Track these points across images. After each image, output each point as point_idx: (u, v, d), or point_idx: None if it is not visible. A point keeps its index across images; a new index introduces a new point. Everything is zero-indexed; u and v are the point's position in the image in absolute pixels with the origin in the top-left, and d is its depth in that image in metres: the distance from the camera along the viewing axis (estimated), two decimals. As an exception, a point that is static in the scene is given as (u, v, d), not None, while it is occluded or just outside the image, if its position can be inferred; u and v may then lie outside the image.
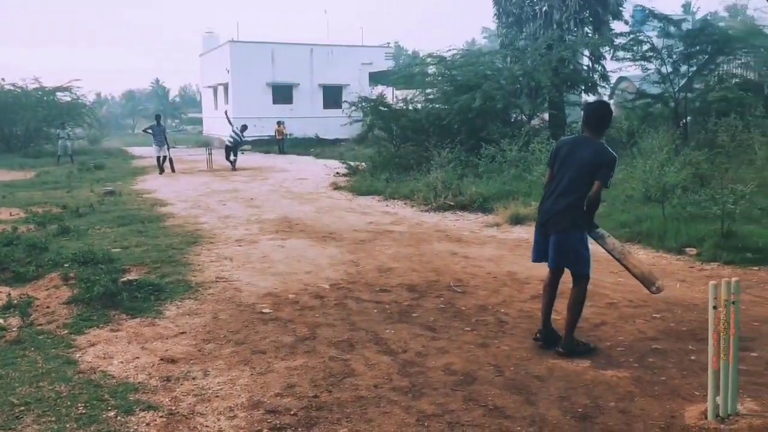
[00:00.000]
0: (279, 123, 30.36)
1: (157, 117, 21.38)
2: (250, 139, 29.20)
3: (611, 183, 4.53)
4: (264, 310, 5.80)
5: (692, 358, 4.62)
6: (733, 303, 3.62)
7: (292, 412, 3.79)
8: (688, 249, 8.01)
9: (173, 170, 20.32)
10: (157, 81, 71.56)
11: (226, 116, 23.31)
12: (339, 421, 3.68)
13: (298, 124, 33.04)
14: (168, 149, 20.41)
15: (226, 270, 7.32)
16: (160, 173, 19.88)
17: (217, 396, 4.04)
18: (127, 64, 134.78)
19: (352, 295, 6.32)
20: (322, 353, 4.74)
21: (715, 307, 3.61)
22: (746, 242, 7.76)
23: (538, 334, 4.95)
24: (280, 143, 29.80)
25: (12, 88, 31.29)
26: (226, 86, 35.04)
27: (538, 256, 4.90)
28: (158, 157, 20.35)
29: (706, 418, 3.65)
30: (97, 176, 19.21)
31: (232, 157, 21.46)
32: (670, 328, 5.29)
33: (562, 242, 4.62)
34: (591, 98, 19.98)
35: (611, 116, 4.83)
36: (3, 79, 31.48)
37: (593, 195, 4.54)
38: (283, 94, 34.86)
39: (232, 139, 21.86)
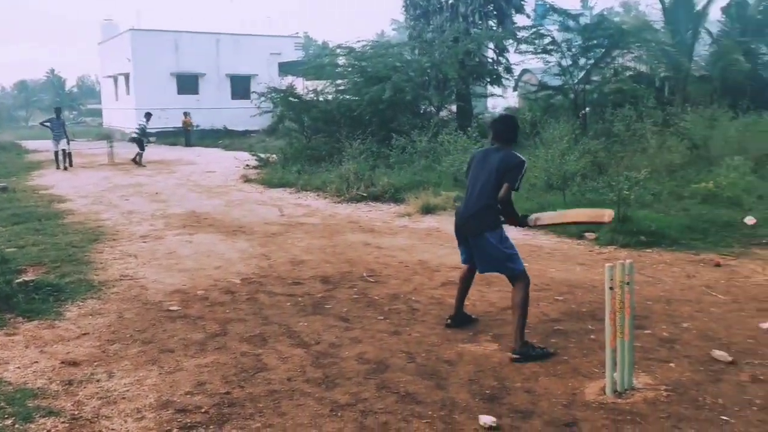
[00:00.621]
0: (185, 114, 29.43)
1: (57, 110, 20.18)
2: (154, 130, 28.15)
3: (520, 186, 4.63)
4: (172, 308, 5.63)
5: (592, 337, 4.87)
6: (628, 284, 3.85)
7: (203, 410, 3.71)
8: (587, 234, 8.42)
9: (71, 164, 19.22)
10: (53, 71, 67.65)
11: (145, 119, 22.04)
12: (252, 416, 3.64)
13: (205, 115, 32.14)
14: (68, 143, 19.34)
15: (130, 267, 7.05)
16: (58, 168, 18.83)
17: (124, 398, 3.90)
18: (18, 53, 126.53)
19: (264, 289, 6.25)
20: (234, 349, 4.66)
21: (611, 288, 3.83)
22: (640, 226, 8.25)
23: (449, 320, 5.12)
24: (187, 135, 28.92)
25: None
26: (127, 76, 33.57)
27: (466, 259, 4.98)
28: (56, 152, 19.23)
29: (604, 393, 3.87)
30: (-14, 172, 17.98)
31: (138, 151, 20.45)
32: (572, 310, 5.55)
33: (481, 246, 4.67)
34: (497, 90, 20.62)
35: (517, 126, 4.98)
36: None
37: (502, 196, 4.59)
38: (188, 84, 33.76)
39: (138, 130, 20.93)
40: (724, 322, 5.16)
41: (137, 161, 20.00)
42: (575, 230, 8.51)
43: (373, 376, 4.17)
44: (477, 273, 5.01)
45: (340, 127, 16.50)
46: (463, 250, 4.95)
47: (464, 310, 5.18)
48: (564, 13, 18.18)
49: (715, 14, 22.72)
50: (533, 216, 4.95)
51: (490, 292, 6.09)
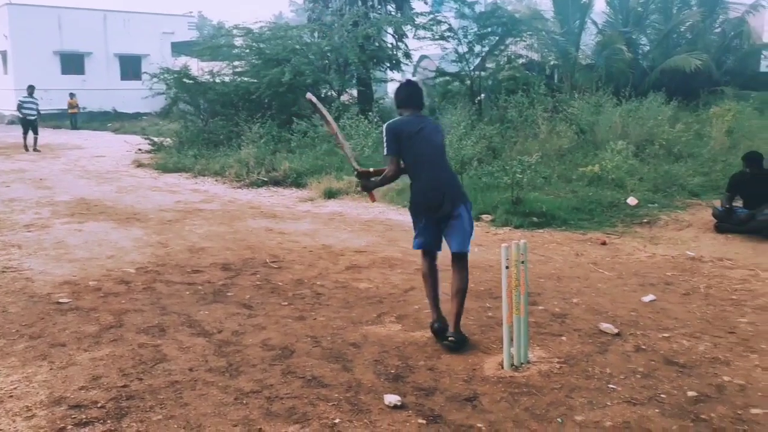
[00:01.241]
0: (71, 95, 27.72)
1: None
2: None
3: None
4: (61, 300, 5.34)
5: (489, 314, 5.07)
6: (522, 263, 4.04)
7: (99, 405, 3.56)
8: (483, 216, 8.72)
9: None
10: None
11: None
12: (152, 408, 3.53)
13: (92, 96, 30.45)
14: None
15: (14, 259, 6.61)
16: None
17: (11, 396, 3.67)
18: None
19: (162, 278, 6.04)
20: (131, 340, 4.49)
21: (507, 267, 4.00)
22: (532, 207, 8.64)
23: (435, 325, 4.52)
24: (73, 117, 27.29)
25: None
26: (4, 54, 31.19)
27: (429, 242, 4.53)
28: None
29: (502, 368, 4.05)
30: None
31: (33, 135, 18.55)
32: (471, 289, 5.67)
33: (460, 219, 4.36)
34: (396, 75, 20.81)
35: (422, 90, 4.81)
36: None
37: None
38: (73, 63, 31.83)
39: (35, 111, 18.85)
40: (609, 297, 5.52)
41: (35, 147, 18.35)
42: (472, 212, 8.78)
43: (278, 362, 4.14)
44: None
45: (238, 110, 16.10)
46: (429, 231, 4.48)
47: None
48: (460, 0, 18.55)
49: (600, 5, 24.01)
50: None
51: (393, 274, 6.19)
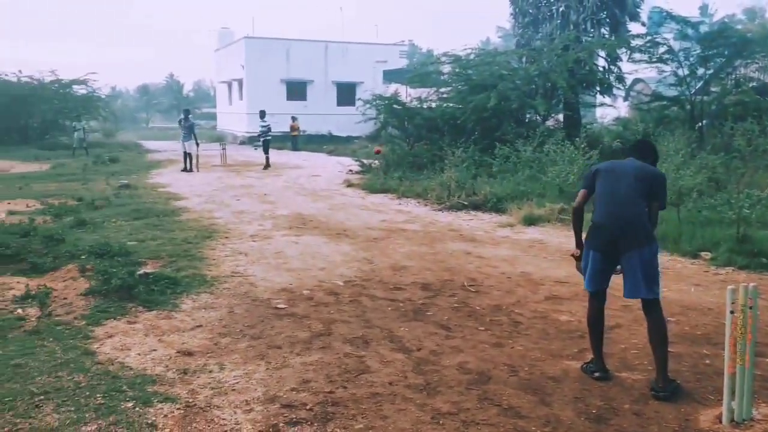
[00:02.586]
0: (293, 119, 30.38)
1: (185, 111, 20.57)
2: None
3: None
4: (279, 306, 5.84)
5: (707, 362, 4.61)
6: (750, 308, 3.62)
7: (307, 407, 3.82)
8: (702, 253, 7.97)
9: (189, 168, 19.32)
10: (172, 75, 71.84)
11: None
12: (354, 417, 3.71)
13: (311, 120, 33.11)
14: (197, 146, 19.51)
15: (241, 265, 7.37)
16: (184, 170, 19.18)
17: (234, 389, 4.08)
18: (140, 59, 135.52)
19: (367, 292, 6.35)
20: (337, 349, 4.77)
21: (732, 312, 3.61)
22: (761, 247, 7.72)
23: (597, 374, 4.30)
24: (294, 140, 29.85)
25: (29, 80, 31.58)
26: (240, 82, 35.17)
27: (600, 282, 4.30)
28: (185, 153, 19.45)
29: (720, 422, 3.66)
30: (111, 169, 19.36)
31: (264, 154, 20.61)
32: (685, 332, 5.28)
33: (638, 260, 4.03)
34: (607, 99, 19.94)
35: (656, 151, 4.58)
36: (20, 71, 31.85)
37: (654, 213, 4.20)
38: (297, 90, 34.95)
39: (269, 133, 21.13)
40: None
41: (267, 163, 20.26)
42: (689, 248, 8.09)
43: (475, 386, 4.13)
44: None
45: (442, 134, 16.53)
46: (600, 270, 4.22)
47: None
48: (682, 20, 17.32)
49: None
50: None
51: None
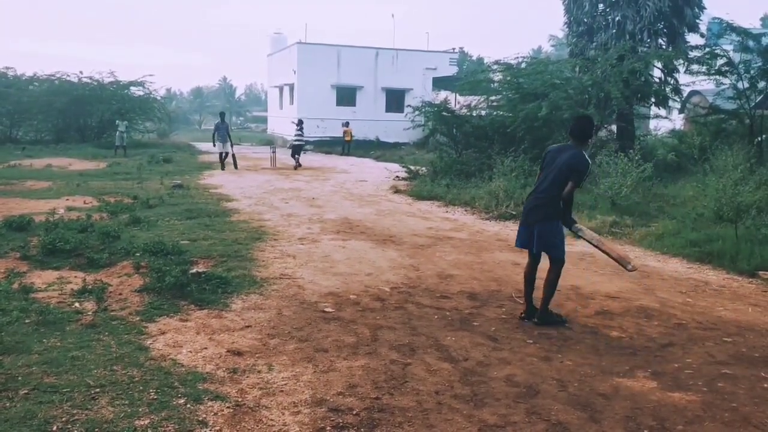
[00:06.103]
0: (346, 124, 30.59)
1: (221, 114, 22.10)
2: (312, 139, 29.58)
3: (583, 185, 5.08)
4: (326, 309, 5.88)
5: (765, 385, 4.45)
6: (816, 332, 3.48)
7: (354, 412, 3.83)
8: (761, 272, 7.71)
9: (236, 167, 20.68)
10: (225, 79, 73.39)
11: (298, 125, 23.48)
12: (401, 424, 3.70)
13: (360, 126, 33.28)
14: (231, 146, 20.90)
15: (289, 267, 7.45)
16: (222, 169, 20.36)
17: (282, 391, 4.13)
18: (195, 62, 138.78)
19: (413, 299, 6.34)
20: (384, 356, 4.78)
21: (796, 336, 3.48)
22: (825, 268, 7.42)
23: (523, 314, 5.78)
24: (347, 145, 30.02)
25: (89, 81, 32.67)
26: (291, 86, 35.62)
27: (521, 243, 5.83)
28: (220, 154, 20.86)
29: (780, 449, 3.53)
30: (165, 169, 19.85)
31: (295, 156, 21.95)
32: (742, 353, 5.11)
33: (542, 232, 5.57)
34: (662, 111, 19.49)
35: (592, 128, 5.86)
36: (81, 72, 33.00)
37: (566, 193, 5.42)
38: (347, 96, 35.19)
39: (303, 139, 22.61)
40: None
41: (298, 164, 21.64)
42: (747, 267, 7.83)
43: (523, 400, 4.08)
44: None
45: (491, 143, 16.39)
46: (520, 237, 5.84)
47: (533, 303, 5.78)
48: (743, 32, 16.78)
49: None
50: (579, 225, 5.76)
51: (649, 325, 5.75)
